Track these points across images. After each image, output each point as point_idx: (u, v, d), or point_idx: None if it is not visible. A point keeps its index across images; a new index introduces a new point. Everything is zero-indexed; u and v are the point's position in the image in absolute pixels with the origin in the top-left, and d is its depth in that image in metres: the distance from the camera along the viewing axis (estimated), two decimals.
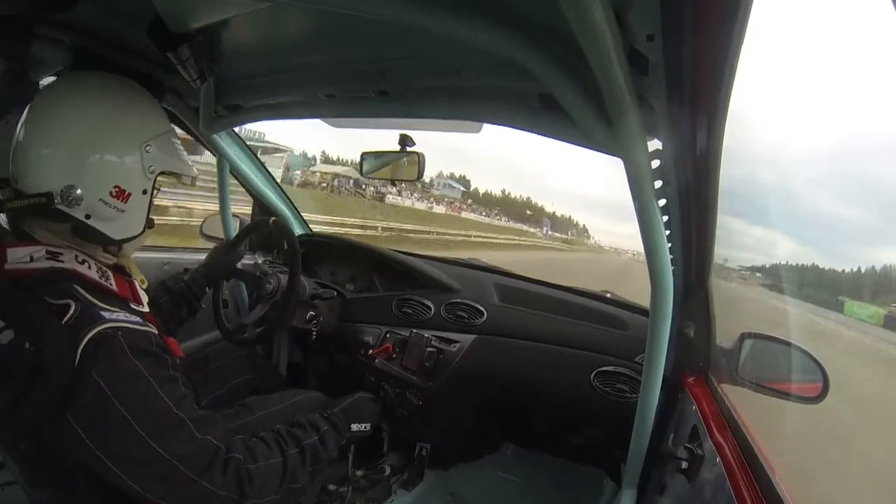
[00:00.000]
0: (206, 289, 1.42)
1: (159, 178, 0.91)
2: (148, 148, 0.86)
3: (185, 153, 0.96)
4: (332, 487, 1.43)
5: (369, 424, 1.23)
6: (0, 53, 0.93)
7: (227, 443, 0.83)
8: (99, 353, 0.70)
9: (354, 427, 1.18)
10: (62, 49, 1.01)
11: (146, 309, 0.90)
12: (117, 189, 0.83)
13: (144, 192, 0.88)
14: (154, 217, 0.94)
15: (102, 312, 0.74)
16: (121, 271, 0.89)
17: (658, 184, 0.78)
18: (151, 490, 0.76)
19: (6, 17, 0.89)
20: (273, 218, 1.50)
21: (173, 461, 0.75)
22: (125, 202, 0.85)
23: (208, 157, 1.67)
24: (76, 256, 0.80)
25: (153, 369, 0.75)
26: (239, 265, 1.56)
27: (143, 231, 0.92)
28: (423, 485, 1.58)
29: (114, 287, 0.84)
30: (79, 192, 0.79)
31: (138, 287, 0.91)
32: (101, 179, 0.82)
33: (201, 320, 1.52)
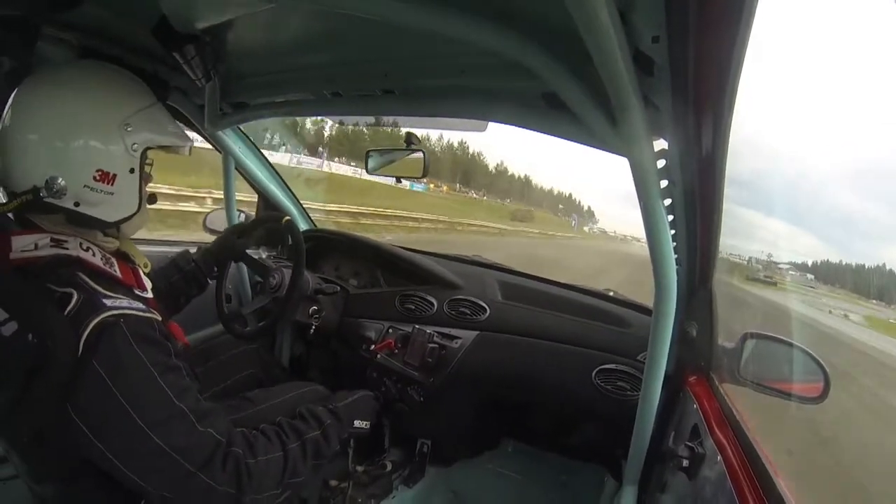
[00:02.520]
0: (214, 268, 1.43)
1: (150, 153, 0.89)
2: (128, 126, 0.83)
3: (174, 124, 0.94)
4: (333, 483, 1.45)
5: (369, 423, 1.24)
6: (5, 53, 0.93)
7: (228, 437, 0.83)
8: (101, 342, 0.71)
9: (356, 423, 1.18)
10: (67, 48, 1.01)
11: (150, 295, 0.90)
12: (100, 173, 0.82)
13: (132, 170, 0.86)
14: None
15: (105, 300, 0.74)
16: (124, 258, 0.89)
17: (663, 183, 0.77)
18: (151, 481, 0.77)
19: (12, 17, 0.89)
20: (286, 217, 1.51)
21: (172, 453, 0.75)
22: (112, 184, 0.83)
23: None
24: (80, 244, 0.80)
25: (154, 357, 0.75)
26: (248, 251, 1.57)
27: (140, 209, 0.90)
28: (424, 481, 1.60)
29: (118, 274, 0.84)
30: (61, 181, 0.78)
31: (142, 274, 0.92)
32: (81, 166, 0.80)
33: (205, 314, 1.53)
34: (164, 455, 0.74)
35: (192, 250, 1.41)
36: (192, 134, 1.31)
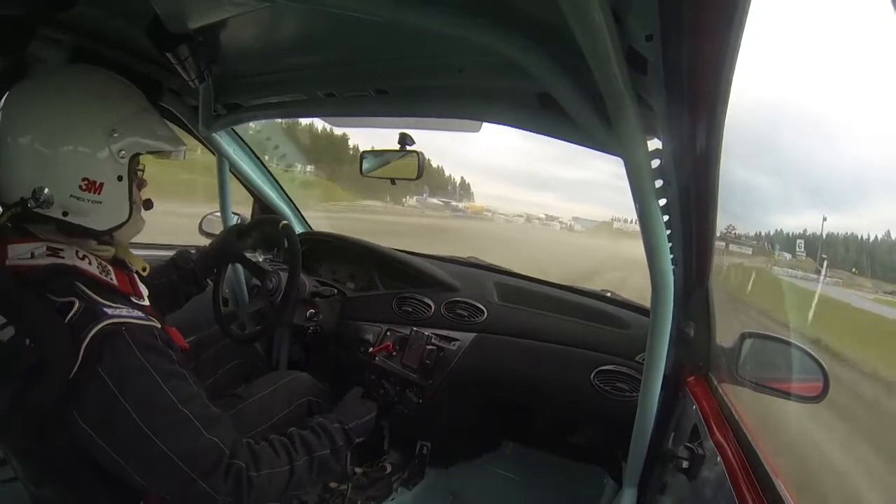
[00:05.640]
0: (213, 270, 1.43)
1: (142, 158, 0.87)
2: (115, 133, 0.81)
3: (166, 129, 0.91)
4: (332, 485, 1.44)
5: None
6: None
7: (232, 447, 0.82)
8: (104, 350, 0.71)
9: (357, 440, 1.18)
10: (61, 48, 1.00)
11: (147, 303, 0.89)
12: (87, 182, 0.80)
13: (119, 178, 0.84)
14: None
15: (105, 309, 0.74)
16: (121, 265, 0.89)
17: (658, 183, 0.77)
18: (156, 485, 0.78)
19: (5, 17, 0.88)
20: (284, 222, 1.50)
21: (176, 459, 0.75)
22: (99, 193, 0.81)
23: None
24: (77, 252, 0.80)
25: (158, 364, 0.76)
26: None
27: (132, 216, 0.88)
28: (423, 483, 1.59)
29: (115, 282, 0.83)
30: (47, 191, 0.76)
31: (138, 281, 0.91)
32: (66, 175, 0.79)
33: (202, 316, 1.53)
34: (167, 460, 0.75)
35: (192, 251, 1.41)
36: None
